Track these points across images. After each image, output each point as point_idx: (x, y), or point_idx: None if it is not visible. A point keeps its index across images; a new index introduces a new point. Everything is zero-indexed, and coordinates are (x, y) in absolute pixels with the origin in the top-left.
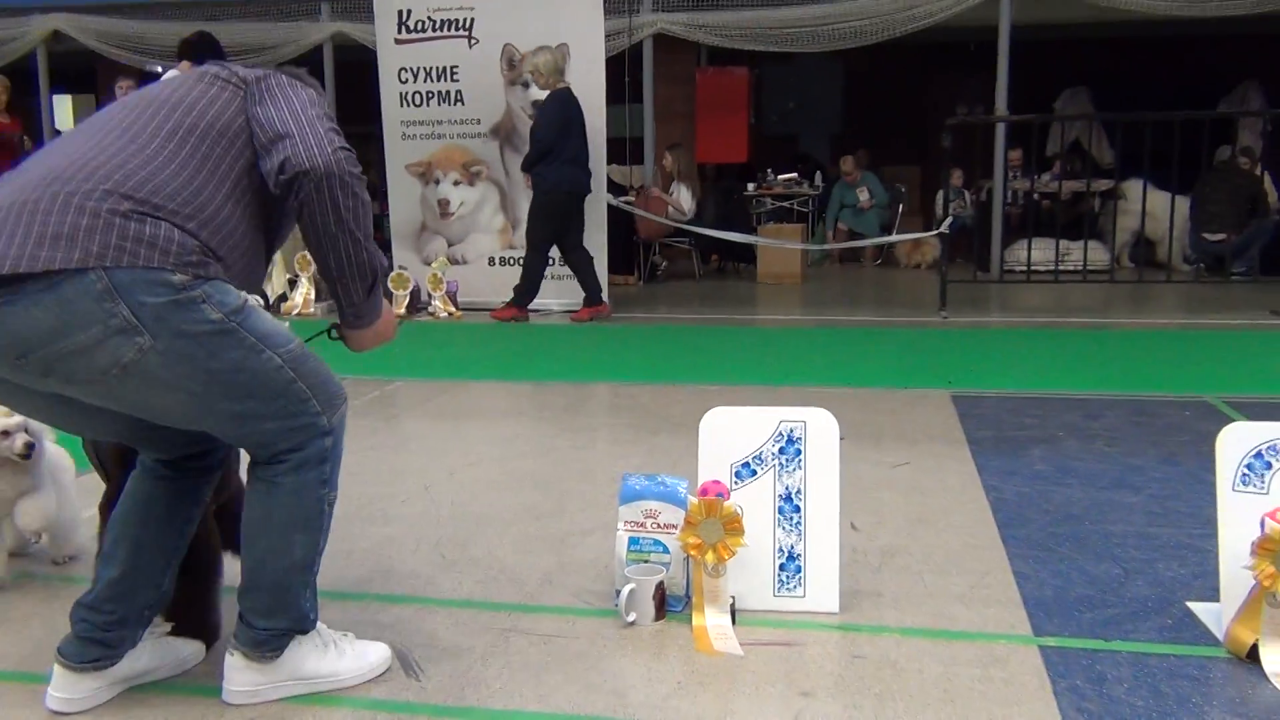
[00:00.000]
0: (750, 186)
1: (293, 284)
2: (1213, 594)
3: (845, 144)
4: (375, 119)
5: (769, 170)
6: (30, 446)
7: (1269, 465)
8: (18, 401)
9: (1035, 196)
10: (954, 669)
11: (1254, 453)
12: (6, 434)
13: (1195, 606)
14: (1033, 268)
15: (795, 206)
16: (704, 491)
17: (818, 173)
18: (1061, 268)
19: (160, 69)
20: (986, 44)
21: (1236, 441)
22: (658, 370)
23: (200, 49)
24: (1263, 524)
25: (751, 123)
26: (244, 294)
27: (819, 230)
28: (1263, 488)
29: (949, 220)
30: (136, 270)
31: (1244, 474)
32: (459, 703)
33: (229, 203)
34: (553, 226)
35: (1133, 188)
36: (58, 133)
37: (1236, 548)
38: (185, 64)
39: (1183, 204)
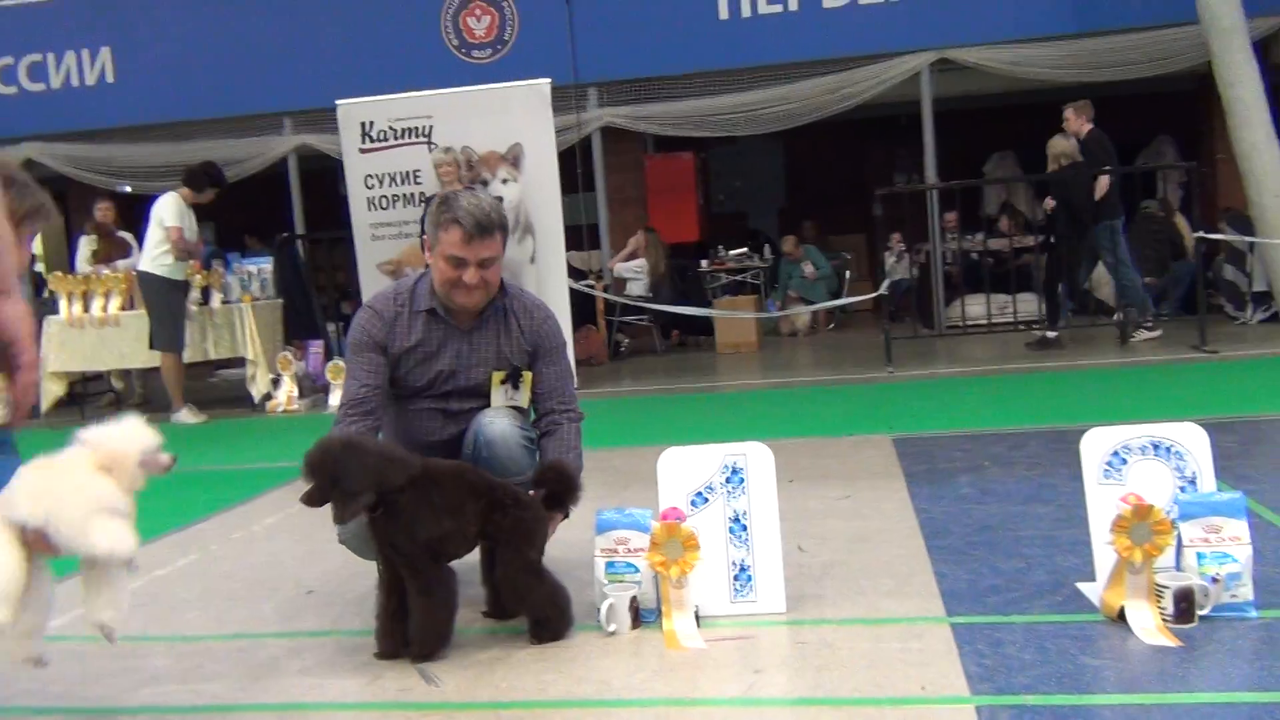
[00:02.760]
0: (704, 263)
1: (276, 383)
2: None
3: (791, 217)
4: (344, 223)
5: (720, 247)
6: None
7: (1124, 460)
8: None
9: (974, 255)
10: (879, 645)
11: (1112, 451)
12: None
13: (1083, 586)
14: (972, 321)
15: (748, 280)
16: (664, 517)
17: (767, 246)
18: (1001, 319)
19: (128, 189)
20: (917, 116)
21: (1097, 443)
22: (626, 436)
23: (195, 175)
24: (1118, 506)
25: (700, 203)
26: None
27: (775, 296)
28: (1121, 479)
29: (887, 282)
30: None
31: (1105, 469)
32: (473, 699)
33: None
34: None
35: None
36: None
37: (1103, 531)
38: (187, 191)
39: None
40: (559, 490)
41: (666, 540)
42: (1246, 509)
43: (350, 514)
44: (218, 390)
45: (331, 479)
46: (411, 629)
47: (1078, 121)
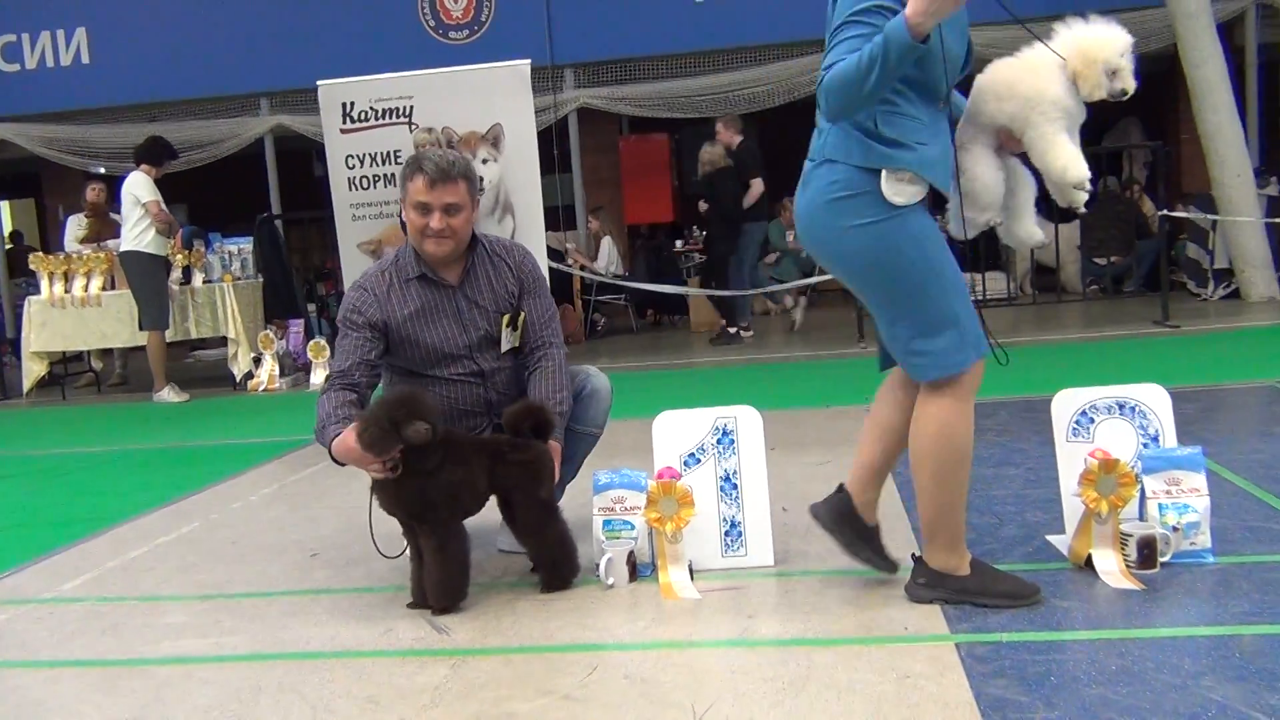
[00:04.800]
0: (678, 243)
1: (258, 362)
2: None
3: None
4: (319, 203)
5: (694, 227)
6: None
7: (1091, 420)
8: None
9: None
10: (864, 593)
11: (1080, 411)
12: None
13: (1052, 538)
14: None
15: None
16: (660, 476)
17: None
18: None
19: (102, 170)
20: None
21: (1065, 404)
22: None
23: (154, 152)
24: (1085, 461)
25: (674, 184)
26: None
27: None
28: (1088, 437)
29: None
30: None
31: (1074, 428)
32: (484, 645)
33: None
34: None
35: None
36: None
37: (1071, 485)
38: (148, 167)
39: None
40: (536, 426)
41: (662, 497)
42: (1205, 463)
43: (432, 465)
44: (195, 370)
45: (395, 415)
46: (429, 584)
47: (728, 133)
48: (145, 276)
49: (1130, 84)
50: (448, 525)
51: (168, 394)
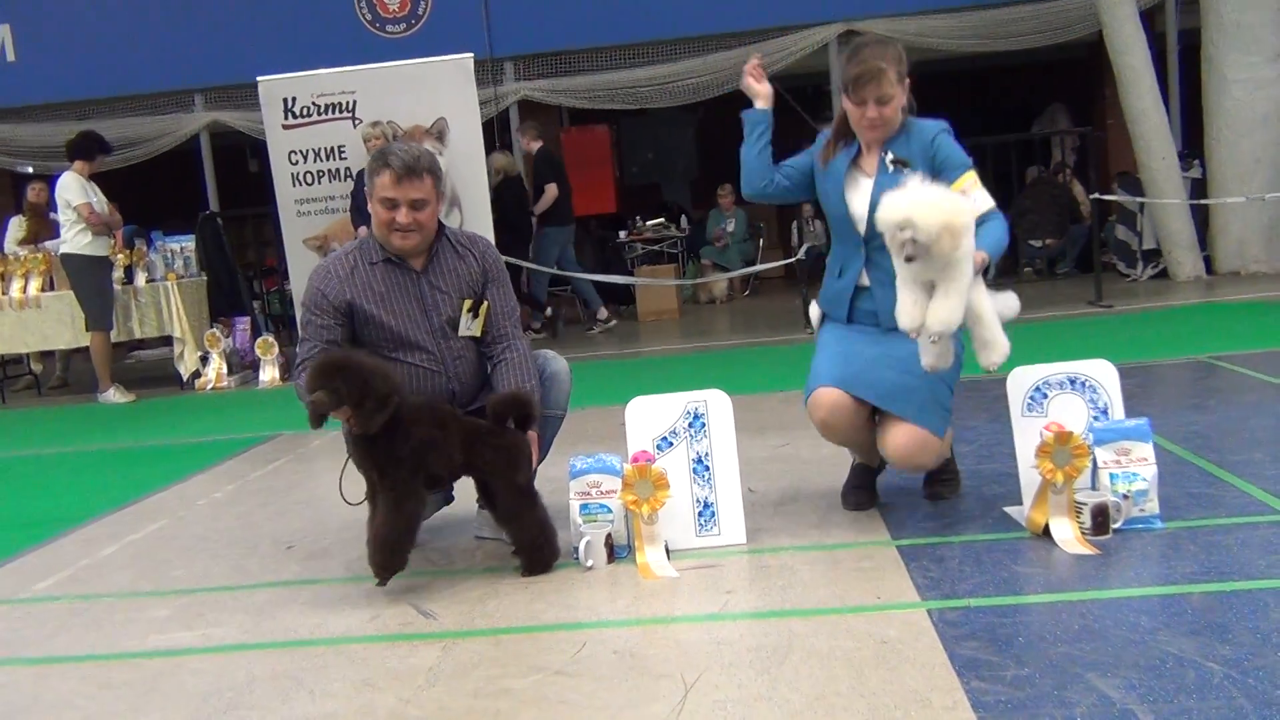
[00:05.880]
0: (621, 234)
1: (204, 360)
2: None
3: (703, 188)
4: (256, 199)
5: (637, 217)
6: None
7: (1045, 395)
8: None
9: None
10: (835, 566)
11: (1034, 387)
12: None
13: (1009, 510)
14: None
15: (665, 249)
16: (635, 459)
17: (683, 216)
18: None
19: (30, 170)
20: (821, 88)
21: (1021, 380)
22: None
23: (86, 147)
24: (1041, 434)
25: (615, 175)
26: None
27: (691, 267)
28: (1043, 411)
29: (805, 247)
30: None
31: (1028, 403)
32: (470, 627)
33: None
34: None
35: None
36: None
37: (1028, 457)
38: (80, 164)
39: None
40: (521, 417)
41: (638, 480)
42: (1152, 434)
43: (379, 422)
44: (137, 370)
45: (363, 386)
46: (374, 541)
47: (526, 140)
48: (84, 277)
49: (902, 253)
50: (408, 483)
51: (113, 394)
